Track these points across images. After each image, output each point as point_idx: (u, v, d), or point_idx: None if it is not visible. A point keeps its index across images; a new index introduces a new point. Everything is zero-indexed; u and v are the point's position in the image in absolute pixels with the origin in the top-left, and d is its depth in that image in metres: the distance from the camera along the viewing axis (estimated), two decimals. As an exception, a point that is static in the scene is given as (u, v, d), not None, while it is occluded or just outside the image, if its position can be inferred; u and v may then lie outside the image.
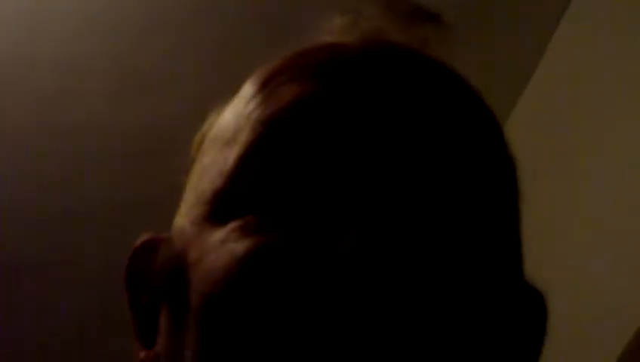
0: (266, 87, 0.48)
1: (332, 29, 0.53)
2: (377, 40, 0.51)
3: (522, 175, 0.49)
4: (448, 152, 0.44)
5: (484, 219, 0.44)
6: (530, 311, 0.49)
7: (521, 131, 1.78)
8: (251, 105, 0.48)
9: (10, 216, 1.96)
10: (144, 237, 0.53)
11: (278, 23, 1.59)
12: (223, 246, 0.43)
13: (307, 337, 0.40)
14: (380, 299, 0.40)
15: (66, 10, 1.63)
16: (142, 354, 0.50)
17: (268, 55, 0.51)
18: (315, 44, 0.50)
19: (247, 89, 0.49)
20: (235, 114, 0.49)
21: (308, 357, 0.40)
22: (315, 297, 0.40)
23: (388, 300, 0.40)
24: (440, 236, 0.42)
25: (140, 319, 0.51)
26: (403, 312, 0.40)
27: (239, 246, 0.42)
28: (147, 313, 0.50)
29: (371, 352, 0.40)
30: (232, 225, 0.44)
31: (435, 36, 0.53)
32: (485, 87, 0.50)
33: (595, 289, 1.57)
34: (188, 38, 1.69)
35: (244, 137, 0.46)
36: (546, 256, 1.61)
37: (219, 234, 0.44)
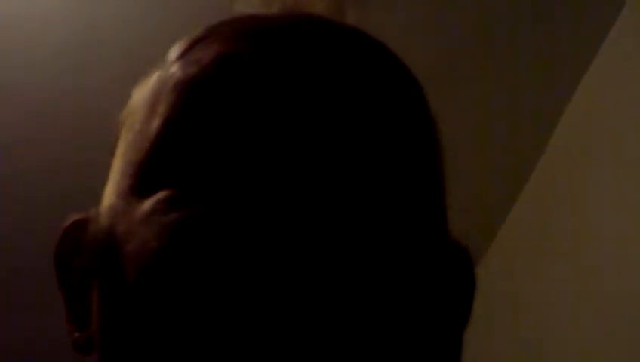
0: (186, 54, 0.48)
1: (252, 3, 0.54)
2: (295, 10, 0.52)
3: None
4: (367, 109, 0.44)
5: (406, 175, 0.44)
6: (456, 267, 0.49)
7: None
8: (171, 70, 0.47)
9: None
10: (73, 218, 0.52)
11: None
12: (151, 218, 0.43)
13: (245, 304, 0.40)
14: (314, 250, 0.40)
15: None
16: (76, 335, 0.49)
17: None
18: (232, 17, 0.50)
19: (167, 58, 0.49)
20: (156, 82, 0.48)
21: (248, 324, 0.40)
22: (246, 259, 0.40)
23: (324, 250, 0.40)
24: (364, 191, 0.43)
25: (71, 299, 0.50)
26: (336, 263, 0.40)
27: (168, 218, 0.42)
28: (78, 292, 0.49)
29: (302, 309, 0.39)
30: (159, 195, 0.43)
31: (350, 2, 0.55)
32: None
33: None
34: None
35: (164, 103, 0.46)
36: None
37: (146, 205, 0.43)
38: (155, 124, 0.45)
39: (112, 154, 0.51)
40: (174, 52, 0.49)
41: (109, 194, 0.48)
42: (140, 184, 0.45)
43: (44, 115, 1.83)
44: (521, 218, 2.00)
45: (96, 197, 0.50)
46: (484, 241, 2.07)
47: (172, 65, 0.48)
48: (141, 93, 0.50)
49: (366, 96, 0.45)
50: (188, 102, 0.45)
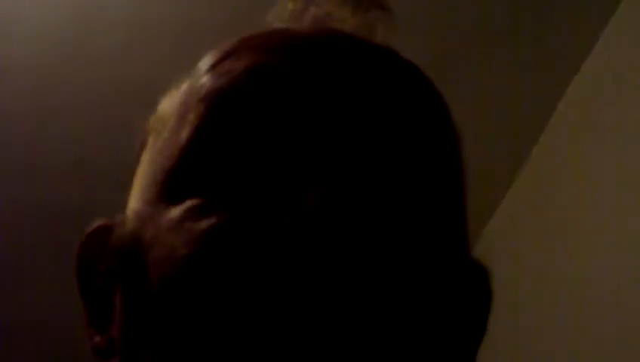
0: (216, 66, 0.48)
1: (283, 15, 0.54)
2: (326, 26, 0.52)
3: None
4: (395, 126, 0.45)
5: (432, 193, 0.45)
6: (474, 285, 0.50)
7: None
8: (202, 81, 0.47)
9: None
10: (96, 222, 0.52)
11: None
12: (180, 225, 0.43)
13: (272, 315, 0.40)
14: (344, 260, 0.40)
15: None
16: (97, 339, 0.49)
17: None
18: (265, 29, 0.51)
19: (198, 69, 0.49)
20: (186, 93, 0.48)
21: (276, 335, 0.40)
22: (277, 268, 0.40)
23: (353, 259, 0.40)
24: (392, 205, 0.43)
25: (93, 304, 0.50)
26: (364, 273, 0.41)
27: (198, 226, 0.42)
28: (100, 296, 0.49)
29: (328, 322, 0.40)
30: (188, 203, 0.43)
31: (382, 22, 0.55)
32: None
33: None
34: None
35: (195, 112, 0.46)
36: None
37: (174, 212, 0.43)
38: (186, 132, 0.46)
39: (137, 160, 0.51)
40: (205, 64, 0.49)
41: (136, 200, 0.48)
42: (168, 190, 0.45)
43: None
44: (520, 196, 2.02)
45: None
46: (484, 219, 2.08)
47: (203, 76, 0.48)
48: (170, 103, 0.50)
49: (394, 113, 0.45)
50: (218, 111, 0.45)
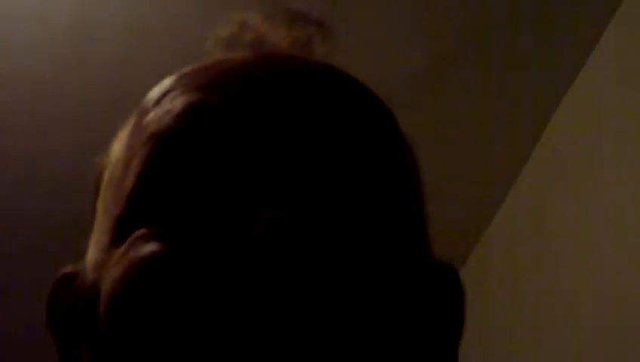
0: (157, 104, 0.48)
1: (218, 42, 0.55)
2: (262, 49, 0.53)
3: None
4: (340, 141, 0.45)
5: (386, 203, 0.45)
6: (441, 286, 0.50)
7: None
8: (144, 122, 0.48)
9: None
10: (61, 271, 0.52)
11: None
12: (124, 256, 0.43)
13: (213, 343, 0.40)
14: (294, 281, 0.40)
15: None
16: None
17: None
18: (201, 62, 0.51)
19: (142, 108, 0.49)
20: (132, 133, 0.49)
21: (217, 349, 0.40)
22: (221, 293, 0.40)
23: (304, 281, 0.40)
24: (345, 221, 0.43)
25: (64, 353, 0.50)
26: (319, 294, 0.40)
27: (139, 251, 0.42)
28: (70, 345, 0.49)
29: (283, 337, 0.39)
30: (132, 237, 0.44)
31: (318, 38, 0.55)
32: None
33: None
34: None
35: (138, 156, 0.46)
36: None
37: (120, 249, 0.44)
38: (130, 177, 0.46)
39: (92, 206, 0.52)
40: (147, 102, 0.49)
41: (93, 249, 0.49)
42: (118, 236, 0.45)
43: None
44: (519, 202, 2.02)
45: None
46: (479, 229, 2.09)
47: (144, 117, 0.48)
48: (119, 146, 0.51)
49: (336, 129, 0.45)
50: (159, 152, 0.45)
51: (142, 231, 0.43)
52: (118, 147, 0.51)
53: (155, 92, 0.50)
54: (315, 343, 0.39)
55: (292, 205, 0.42)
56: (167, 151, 0.45)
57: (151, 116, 0.48)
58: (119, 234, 0.45)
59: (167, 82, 0.50)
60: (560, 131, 1.86)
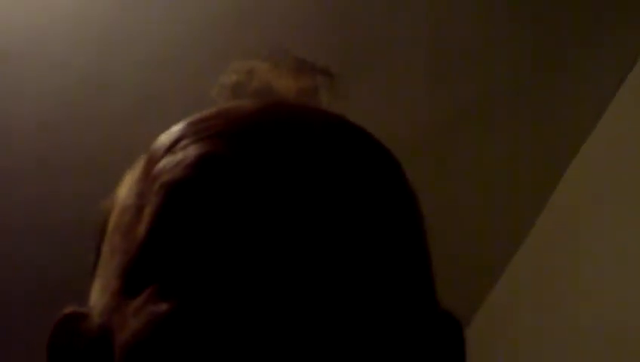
0: (169, 151, 0.48)
1: (224, 89, 0.55)
2: (269, 98, 0.53)
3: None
4: (350, 198, 0.45)
5: (392, 253, 0.45)
6: (446, 336, 0.50)
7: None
8: (156, 171, 0.48)
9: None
10: (64, 311, 0.53)
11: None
12: (142, 310, 0.44)
13: None
14: (301, 339, 0.41)
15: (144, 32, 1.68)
16: None
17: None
18: (214, 110, 0.51)
19: (152, 155, 0.50)
20: (142, 181, 0.49)
21: None
22: (234, 349, 0.41)
23: (315, 347, 0.41)
24: (352, 276, 0.43)
25: None
26: (325, 353, 0.41)
27: (157, 308, 0.44)
28: None
29: None
30: (148, 291, 0.44)
31: (325, 87, 0.55)
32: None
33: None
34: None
35: (150, 205, 0.47)
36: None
37: (137, 302, 0.45)
38: (143, 226, 0.46)
39: (97, 249, 0.52)
40: (158, 149, 0.49)
41: (101, 293, 0.49)
42: (130, 283, 0.46)
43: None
44: (519, 273, 2.02)
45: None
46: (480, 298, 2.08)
47: (157, 164, 0.48)
48: (126, 191, 0.51)
49: (347, 183, 0.46)
50: (173, 204, 0.46)
51: (157, 286, 0.44)
52: (124, 192, 0.51)
53: (164, 139, 0.50)
54: None
55: (302, 267, 0.42)
56: (179, 202, 0.46)
57: (162, 164, 0.48)
58: (130, 281, 0.46)
59: (176, 129, 0.50)
60: (564, 200, 1.87)
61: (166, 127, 0.51)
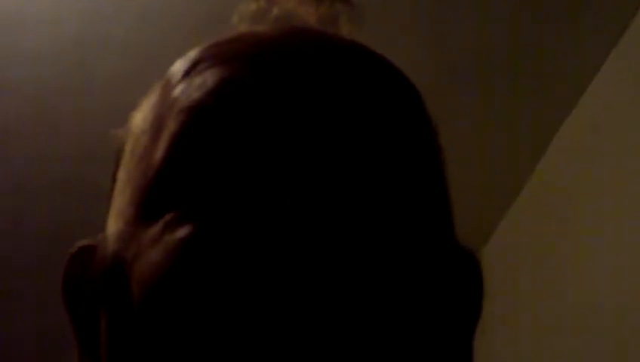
0: (187, 75, 0.47)
1: (246, 15, 0.54)
2: (290, 25, 0.52)
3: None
4: (368, 121, 0.45)
5: (410, 181, 0.45)
6: (463, 271, 0.50)
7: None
8: (174, 94, 0.47)
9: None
10: (78, 244, 0.51)
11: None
12: (160, 239, 0.43)
13: (255, 323, 0.40)
14: (323, 264, 0.40)
15: None
16: None
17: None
18: (232, 34, 0.50)
19: (169, 80, 0.49)
20: (159, 106, 0.48)
21: (259, 345, 0.40)
22: (257, 273, 0.40)
23: (334, 263, 0.40)
24: (370, 200, 0.43)
25: (80, 328, 0.50)
26: (345, 278, 0.40)
27: (175, 236, 0.42)
28: (88, 321, 0.49)
29: (312, 326, 0.40)
30: (166, 218, 0.43)
31: (344, 14, 0.55)
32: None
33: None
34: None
35: (169, 129, 0.45)
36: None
37: (154, 229, 0.43)
38: (160, 150, 0.45)
39: (112, 178, 0.51)
40: (175, 75, 0.48)
41: (116, 221, 0.48)
42: (146, 210, 0.45)
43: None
44: (517, 226, 2.03)
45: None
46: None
47: (174, 88, 0.47)
48: (142, 117, 0.50)
49: (367, 109, 0.45)
50: (192, 127, 0.45)
51: (174, 213, 0.43)
52: (141, 118, 0.50)
53: (181, 64, 0.49)
54: (340, 322, 0.40)
55: (315, 188, 0.42)
56: (198, 127, 0.45)
57: (180, 89, 0.47)
58: (147, 206, 0.45)
59: (193, 54, 0.49)
60: (557, 159, 1.88)
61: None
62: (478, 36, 1.69)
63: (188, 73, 0.47)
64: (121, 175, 0.49)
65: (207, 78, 0.46)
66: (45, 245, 2.10)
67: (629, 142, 1.62)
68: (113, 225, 0.48)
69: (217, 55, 0.47)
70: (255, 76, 0.45)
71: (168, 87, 0.48)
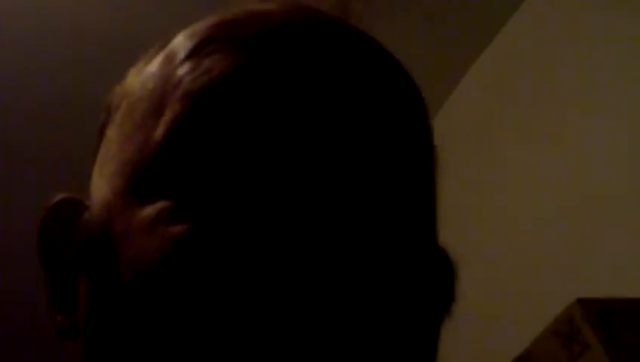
0: (194, 55, 0.46)
1: None
2: (300, 7, 0.50)
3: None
4: (372, 128, 0.45)
5: (406, 183, 0.45)
6: (441, 272, 0.50)
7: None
8: (180, 73, 0.46)
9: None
10: (60, 196, 0.51)
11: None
12: (152, 227, 0.42)
13: (245, 319, 0.40)
14: (317, 266, 0.40)
15: None
16: (59, 319, 0.49)
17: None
18: (240, 12, 0.49)
19: (174, 53, 0.47)
20: (162, 78, 0.47)
21: (245, 340, 0.40)
22: (249, 276, 0.40)
23: (327, 266, 0.40)
24: (365, 198, 0.43)
25: (55, 281, 0.50)
26: (345, 275, 0.41)
27: (171, 230, 0.41)
28: (64, 277, 0.49)
29: (304, 325, 0.40)
30: (161, 205, 0.43)
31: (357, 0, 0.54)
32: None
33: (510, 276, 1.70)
34: None
35: (171, 110, 0.45)
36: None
37: (146, 212, 0.43)
38: (160, 130, 0.44)
39: (100, 130, 0.50)
40: (181, 50, 0.47)
41: (102, 186, 0.47)
42: (139, 185, 0.44)
43: None
44: (458, 109, 2.06)
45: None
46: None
47: (180, 66, 0.46)
48: (141, 81, 0.48)
49: (370, 108, 0.45)
50: (196, 116, 0.44)
51: (169, 203, 0.42)
52: (139, 82, 0.49)
53: (188, 39, 0.48)
54: (332, 321, 0.40)
55: (315, 188, 0.42)
56: (203, 116, 0.44)
57: (186, 69, 0.46)
58: (139, 185, 0.44)
59: (200, 30, 0.48)
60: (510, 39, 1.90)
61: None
62: None
63: (195, 51, 0.46)
64: (112, 134, 0.49)
65: (216, 64, 0.45)
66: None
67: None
68: (100, 190, 0.47)
69: (227, 37, 0.46)
70: (265, 68, 0.45)
71: (173, 61, 0.47)
